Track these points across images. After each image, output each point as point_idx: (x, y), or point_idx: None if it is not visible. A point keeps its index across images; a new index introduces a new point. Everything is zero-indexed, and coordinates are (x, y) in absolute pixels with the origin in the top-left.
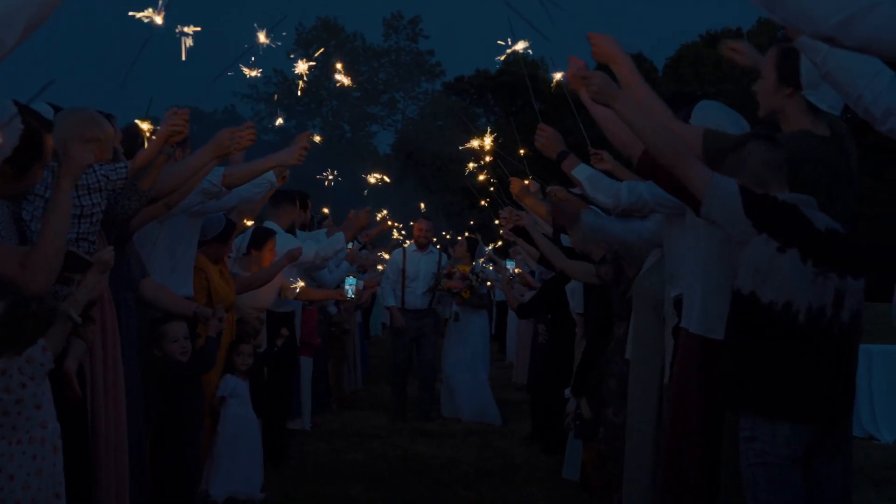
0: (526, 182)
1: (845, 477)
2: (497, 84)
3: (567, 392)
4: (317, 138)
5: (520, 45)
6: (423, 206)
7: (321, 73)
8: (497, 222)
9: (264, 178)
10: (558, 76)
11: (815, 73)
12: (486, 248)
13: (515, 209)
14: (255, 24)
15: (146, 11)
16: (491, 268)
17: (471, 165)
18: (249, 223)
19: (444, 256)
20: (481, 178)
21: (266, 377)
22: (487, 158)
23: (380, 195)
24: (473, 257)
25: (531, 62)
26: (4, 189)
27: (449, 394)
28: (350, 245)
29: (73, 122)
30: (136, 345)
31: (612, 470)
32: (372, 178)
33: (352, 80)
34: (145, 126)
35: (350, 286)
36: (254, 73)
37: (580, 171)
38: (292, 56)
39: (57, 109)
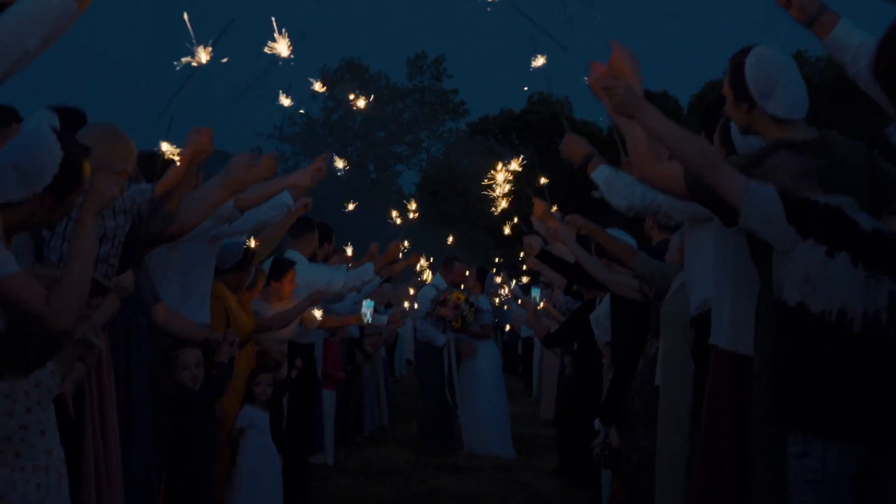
0: (553, 209)
1: None
2: (522, 124)
3: (597, 423)
4: (339, 163)
5: (539, 61)
6: (451, 238)
7: (345, 113)
8: (522, 254)
9: (280, 202)
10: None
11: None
12: (496, 278)
13: (539, 237)
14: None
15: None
16: (519, 302)
17: (498, 190)
18: (253, 244)
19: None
20: (503, 204)
21: (286, 410)
22: (507, 185)
23: (405, 232)
24: (483, 287)
25: (555, 101)
26: (43, 217)
27: (468, 428)
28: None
29: (102, 146)
30: (147, 372)
31: (644, 501)
32: (398, 219)
33: (368, 109)
34: (166, 146)
35: (368, 309)
36: (287, 102)
37: (598, 174)
38: (314, 95)
39: (62, 113)
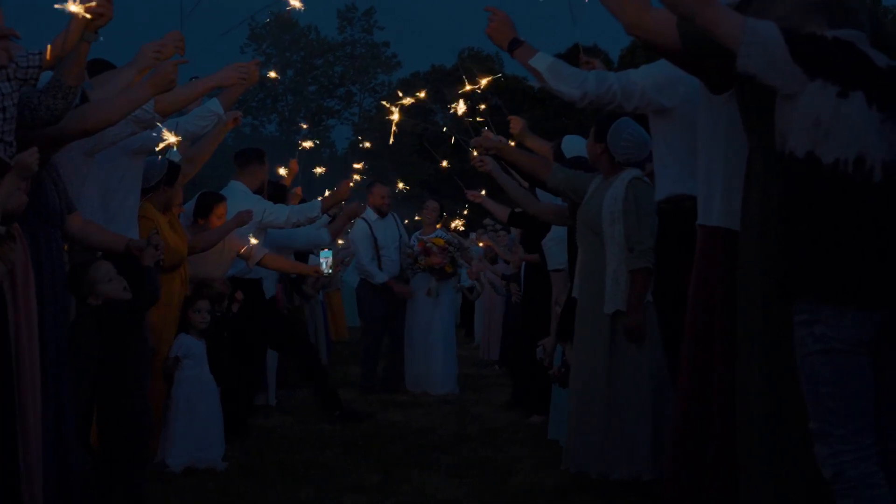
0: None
1: None
2: (454, 80)
3: (539, 352)
4: (272, 74)
5: None
6: (401, 184)
7: (277, 67)
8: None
9: (208, 110)
10: None
11: None
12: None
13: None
14: None
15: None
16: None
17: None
18: (173, 139)
19: (401, 222)
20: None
21: (227, 343)
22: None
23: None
24: (440, 219)
25: (486, 57)
26: None
27: (420, 368)
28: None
29: None
30: (63, 292)
31: None
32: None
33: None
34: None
35: (325, 259)
36: None
37: (539, 61)
38: (244, 52)
39: None
